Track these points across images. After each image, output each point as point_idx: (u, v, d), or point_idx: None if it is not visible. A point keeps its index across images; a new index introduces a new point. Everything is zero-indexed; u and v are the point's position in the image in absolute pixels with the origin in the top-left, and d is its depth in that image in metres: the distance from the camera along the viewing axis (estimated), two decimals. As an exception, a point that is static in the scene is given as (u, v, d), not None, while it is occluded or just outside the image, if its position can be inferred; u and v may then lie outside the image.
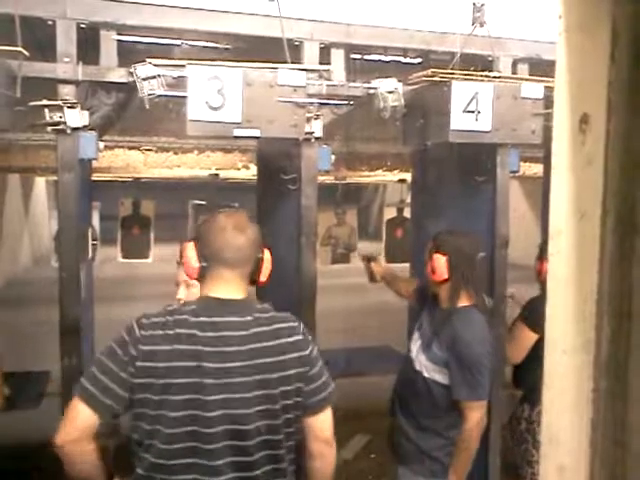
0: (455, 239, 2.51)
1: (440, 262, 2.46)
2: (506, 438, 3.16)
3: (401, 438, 2.61)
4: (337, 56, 2.71)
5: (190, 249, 1.76)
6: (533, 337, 2.90)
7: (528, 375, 2.90)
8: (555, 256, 0.85)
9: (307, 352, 1.76)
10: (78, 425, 1.61)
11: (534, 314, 2.91)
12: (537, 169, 4.84)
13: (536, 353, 2.83)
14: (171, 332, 1.65)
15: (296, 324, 1.80)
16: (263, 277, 1.82)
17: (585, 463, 0.79)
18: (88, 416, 1.61)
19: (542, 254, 3.05)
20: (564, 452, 0.83)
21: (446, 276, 2.47)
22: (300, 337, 1.77)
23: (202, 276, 1.76)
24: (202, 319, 1.68)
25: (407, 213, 4.71)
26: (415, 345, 2.64)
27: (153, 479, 1.66)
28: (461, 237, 2.54)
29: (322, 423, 1.80)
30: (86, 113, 2.35)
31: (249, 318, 1.72)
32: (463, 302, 2.50)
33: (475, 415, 2.41)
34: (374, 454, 4.17)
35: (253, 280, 1.81)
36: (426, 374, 2.52)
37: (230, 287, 1.75)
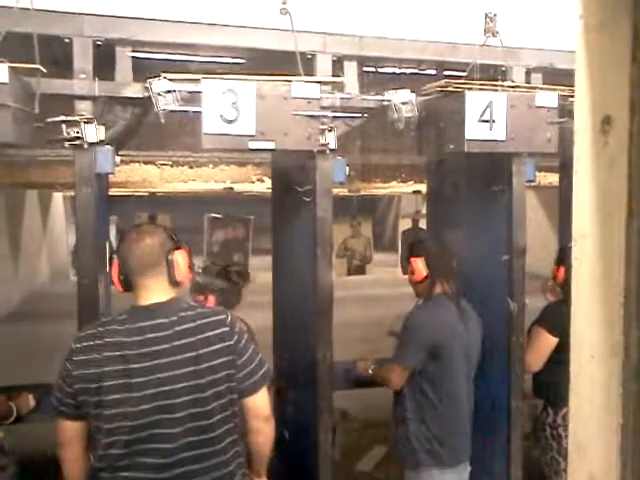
0: (425, 243, 2.90)
1: (417, 264, 2.71)
2: (529, 449, 3.11)
3: (395, 435, 2.74)
4: (350, 68, 2.72)
5: (113, 268, 1.97)
6: (553, 341, 2.88)
7: (549, 380, 2.87)
8: (580, 260, 0.83)
9: (232, 342, 1.92)
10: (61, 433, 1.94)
11: (553, 318, 2.88)
12: (552, 178, 4.81)
13: (556, 357, 2.80)
14: (100, 342, 1.87)
15: (222, 317, 1.96)
16: (179, 277, 1.96)
17: (616, 472, 0.77)
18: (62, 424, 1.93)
19: (560, 260, 3.03)
20: (593, 461, 0.80)
21: (425, 274, 2.71)
22: (226, 329, 1.93)
23: (128, 288, 1.96)
24: (128, 326, 1.89)
25: (422, 224, 4.70)
26: None
27: (101, 470, 1.87)
28: (429, 240, 3.05)
29: (259, 402, 1.98)
30: (102, 128, 2.37)
31: (174, 318, 1.90)
32: (437, 291, 2.73)
33: (392, 377, 2.64)
34: (393, 465, 4.13)
35: (174, 281, 1.96)
36: None
37: (152, 292, 1.93)
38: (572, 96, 1.07)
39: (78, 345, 1.90)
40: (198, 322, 1.91)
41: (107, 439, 1.84)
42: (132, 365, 1.84)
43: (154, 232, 1.99)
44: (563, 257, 3.00)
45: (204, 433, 1.87)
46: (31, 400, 2.74)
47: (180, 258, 1.97)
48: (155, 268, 1.92)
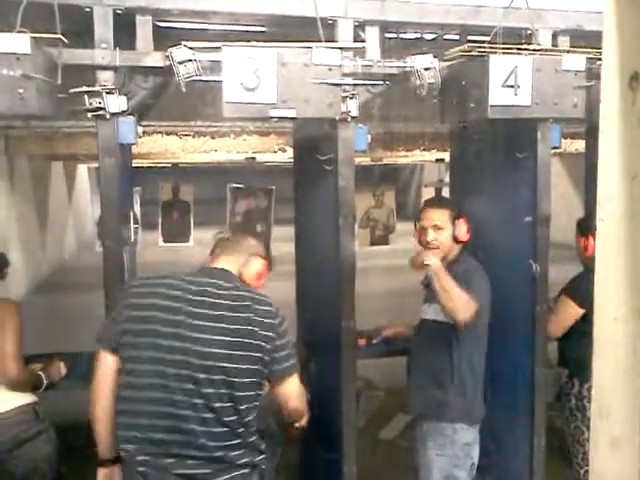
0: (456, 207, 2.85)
1: (463, 227, 2.73)
2: (553, 418, 3.11)
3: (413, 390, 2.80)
4: (372, 34, 2.68)
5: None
6: (578, 312, 2.86)
7: (576, 350, 2.85)
8: (605, 221, 0.81)
9: (273, 334, 1.94)
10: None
11: (580, 289, 2.85)
12: (578, 145, 4.72)
13: (583, 329, 2.78)
14: (154, 290, 1.97)
15: (271, 308, 1.99)
16: (248, 277, 2.11)
17: None
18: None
19: (584, 230, 2.98)
20: (616, 424, 0.80)
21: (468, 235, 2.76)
22: (272, 321, 1.96)
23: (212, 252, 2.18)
24: (187, 280, 1.99)
25: (445, 193, 4.65)
26: (424, 307, 2.83)
27: (124, 412, 1.93)
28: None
29: (285, 395, 2.02)
30: (124, 98, 2.37)
31: (230, 285, 2.00)
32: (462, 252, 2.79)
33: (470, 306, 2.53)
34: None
35: (240, 273, 2.10)
36: (435, 318, 2.68)
37: (220, 263, 2.10)
38: (600, 59, 1.04)
39: (135, 289, 2.03)
40: (248, 302, 1.97)
41: (138, 380, 1.91)
42: (180, 317, 1.90)
43: (251, 239, 2.23)
44: (588, 226, 2.94)
45: (231, 402, 1.90)
46: (62, 367, 2.82)
47: (256, 263, 2.13)
48: (234, 254, 2.11)
